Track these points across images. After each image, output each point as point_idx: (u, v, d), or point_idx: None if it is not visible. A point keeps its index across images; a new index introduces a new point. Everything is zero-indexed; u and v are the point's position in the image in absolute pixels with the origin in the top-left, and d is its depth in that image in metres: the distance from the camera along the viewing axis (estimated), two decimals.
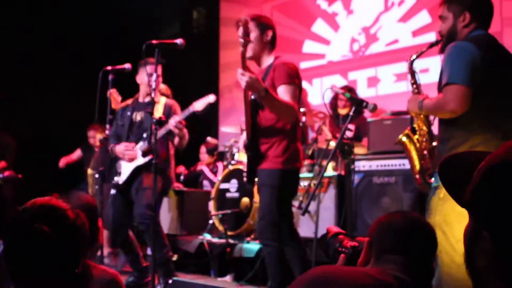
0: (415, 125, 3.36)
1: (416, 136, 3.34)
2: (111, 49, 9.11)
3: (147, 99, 5.05)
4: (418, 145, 3.31)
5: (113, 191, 5.08)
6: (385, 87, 7.33)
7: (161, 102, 5.03)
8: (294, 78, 3.84)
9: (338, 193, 5.36)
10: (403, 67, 3.55)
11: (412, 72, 3.43)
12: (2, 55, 8.53)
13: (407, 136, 3.37)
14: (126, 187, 4.96)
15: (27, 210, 1.66)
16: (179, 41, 4.19)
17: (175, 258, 5.37)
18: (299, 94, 3.90)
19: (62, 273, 1.65)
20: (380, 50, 7.49)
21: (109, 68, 4.89)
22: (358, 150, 5.47)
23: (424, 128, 3.32)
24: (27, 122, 7.40)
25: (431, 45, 3.35)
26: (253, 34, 3.97)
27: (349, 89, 5.93)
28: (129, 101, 5.22)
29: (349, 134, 6.05)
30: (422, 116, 3.31)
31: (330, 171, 5.59)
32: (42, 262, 1.62)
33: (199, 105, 4.55)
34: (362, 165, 5.16)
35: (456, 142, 2.95)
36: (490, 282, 1.00)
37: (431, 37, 6.80)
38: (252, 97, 3.89)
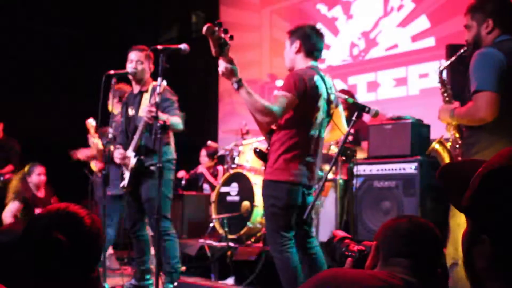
0: (448, 133, 3.39)
1: (449, 143, 3.37)
2: (110, 53, 9.13)
3: (136, 90, 5.06)
4: (451, 152, 3.34)
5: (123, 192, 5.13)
6: (385, 92, 7.36)
7: (150, 89, 4.93)
8: (289, 86, 3.67)
9: (339, 197, 5.39)
10: (437, 69, 3.55)
11: (442, 81, 3.46)
12: (3, 58, 8.55)
13: (440, 143, 3.38)
14: (133, 187, 4.96)
15: (44, 216, 1.69)
16: (183, 46, 4.24)
17: (183, 269, 5.38)
18: (297, 103, 3.68)
19: (77, 278, 1.68)
20: (379, 54, 7.52)
21: (111, 72, 4.91)
22: (358, 154, 5.49)
23: (457, 135, 3.35)
24: (29, 126, 7.42)
25: (460, 54, 3.37)
26: (287, 47, 3.97)
27: (347, 93, 5.96)
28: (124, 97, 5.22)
29: (349, 138, 6.07)
30: (454, 123, 3.35)
31: (330, 175, 5.61)
32: (58, 268, 1.64)
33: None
34: (362, 169, 5.18)
35: (481, 147, 2.99)
36: (489, 284, 1.03)
37: (430, 42, 6.84)
38: None
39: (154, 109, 4.34)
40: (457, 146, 3.31)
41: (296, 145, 3.74)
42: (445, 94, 3.42)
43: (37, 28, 9.17)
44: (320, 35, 3.95)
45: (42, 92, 8.70)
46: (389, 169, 5.04)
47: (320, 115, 3.80)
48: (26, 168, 6.80)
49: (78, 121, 7.53)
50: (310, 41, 3.89)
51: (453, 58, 3.40)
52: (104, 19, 9.79)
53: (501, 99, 2.91)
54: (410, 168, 4.87)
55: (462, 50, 3.34)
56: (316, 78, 3.77)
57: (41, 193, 6.86)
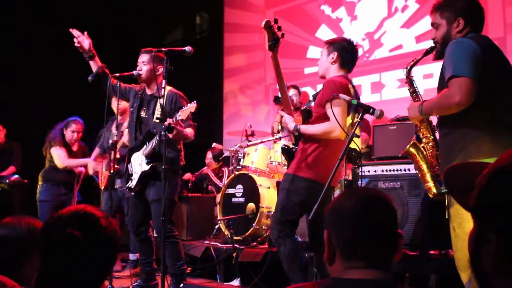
0: (419, 133, 3.37)
1: (422, 144, 3.36)
2: (115, 55, 9.14)
3: (149, 92, 5.07)
4: (425, 152, 3.32)
5: (128, 194, 5.14)
6: (390, 93, 7.36)
7: (165, 96, 4.90)
8: (333, 93, 3.88)
9: None
10: (403, 69, 3.57)
11: (410, 81, 3.46)
12: (8, 58, 8.57)
13: (414, 145, 3.36)
14: (140, 189, 5.00)
15: (62, 216, 1.73)
16: (187, 48, 4.28)
17: (189, 270, 5.40)
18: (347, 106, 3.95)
19: (93, 279, 1.70)
20: (384, 55, 7.52)
21: (117, 74, 4.94)
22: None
23: (429, 135, 3.33)
24: (34, 127, 7.44)
25: (426, 52, 3.37)
26: (323, 56, 4.18)
27: None
28: (138, 88, 5.19)
29: None
30: (425, 123, 3.33)
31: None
32: (74, 266, 1.67)
33: (182, 114, 4.54)
34: (367, 170, 5.18)
35: (467, 142, 2.97)
36: (497, 283, 1.03)
37: None
38: (304, 106, 4.21)
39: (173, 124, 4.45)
40: (430, 145, 3.30)
41: (329, 146, 4.01)
42: (414, 94, 3.42)
43: (40, 28, 9.19)
44: (355, 51, 4.23)
45: (45, 94, 8.73)
46: (394, 170, 5.04)
47: (349, 121, 4.03)
48: (64, 122, 6.84)
49: (84, 123, 7.53)
50: (346, 54, 4.14)
51: (420, 57, 3.41)
52: (108, 21, 9.81)
53: (479, 89, 2.89)
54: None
55: (428, 49, 3.34)
56: (350, 86, 4.05)
57: (74, 147, 6.90)
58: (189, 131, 4.78)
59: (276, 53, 3.91)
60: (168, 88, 4.82)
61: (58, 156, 6.69)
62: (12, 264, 2.07)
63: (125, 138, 5.85)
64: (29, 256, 2.09)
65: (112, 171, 4.83)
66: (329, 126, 3.88)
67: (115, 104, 6.13)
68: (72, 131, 6.80)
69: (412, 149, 3.36)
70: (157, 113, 4.89)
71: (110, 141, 5.75)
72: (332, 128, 3.88)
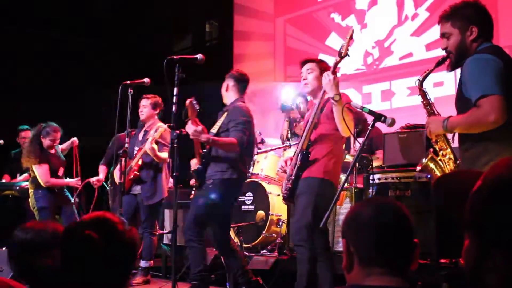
0: (436, 146, 3.34)
1: (439, 157, 3.33)
2: (126, 61, 9.19)
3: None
4: (443, 166, 3.29)
5: None
6: (400, 101, 7.35)
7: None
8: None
9: None
10: (416, 81, 3.54)
11: (424, 93, 3.43)
12: (21, 66, 8.63)
13: (432, 159, 3.33)
14: None
15: (83, 220, 1.80)
16: (199, 56, 4.31)
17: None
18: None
19: (110, 283, 1.72)
20: (394, 63, 7.52)
21: (128, 82, 4.97)
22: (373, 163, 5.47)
23: (445, 146, 3.31)
24: None
25: (438, 63, 3.32)
26: (315, 73, 4.34)
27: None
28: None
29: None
30: (442, 136, 3.30)
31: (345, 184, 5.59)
32: (91, 268, 1.71)
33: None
34: (377, 178, 5.17)
35: (491, 156, 2.92)
36: None
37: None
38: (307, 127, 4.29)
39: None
40: (447, 158, 3.28)
41: (340, 153, 4.35)
42: (428, 107, 3.39)
43: (53, 37, 9.25)
44: None
45: (61, 103, 8.77)
46: (404, 178, 5.02)
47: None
48: (40, 128, 6.78)
49: (96, 130, 7.56)
50: None
51: (432, 68, 3.37)
52: (118, 29, 9.86)
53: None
54: (425, 176, 4.85)
55: (441, 59, 3.31)
56: None
57: (53, 150, 6.87)
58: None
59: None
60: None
61: (41, 175, 6.64)
62: (36, 268, 2.10)
63: (147, 146, 5.77)
64: (52, 260, 2.11)
65: (131, 177, 4.87)
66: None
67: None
68: (51, 140, 6.76)
69: (430, 164, 3.32)
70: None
71: (136, 148, 5.84)
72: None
